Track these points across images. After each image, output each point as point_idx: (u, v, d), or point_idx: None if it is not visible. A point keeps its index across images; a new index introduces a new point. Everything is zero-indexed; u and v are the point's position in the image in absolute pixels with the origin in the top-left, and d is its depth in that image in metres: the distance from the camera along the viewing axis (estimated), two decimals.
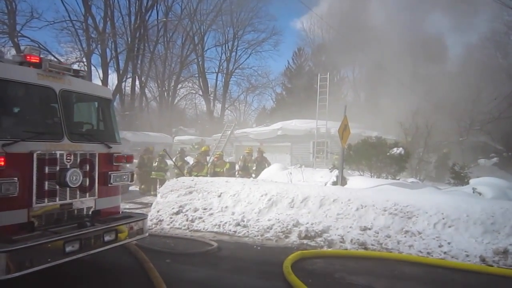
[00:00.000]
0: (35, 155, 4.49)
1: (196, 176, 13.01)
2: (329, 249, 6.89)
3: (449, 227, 7.00)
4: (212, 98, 49.12)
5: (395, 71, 21.49)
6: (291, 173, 12.61)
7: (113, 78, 40.39)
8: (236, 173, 16.21)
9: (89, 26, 33.50)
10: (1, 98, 4.50)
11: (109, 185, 5.51)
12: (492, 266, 5.99)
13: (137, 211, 9.87)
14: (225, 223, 8.20)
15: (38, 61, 4.88)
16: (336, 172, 11.62)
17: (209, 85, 49.23)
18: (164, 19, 40.58)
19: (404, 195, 8.25)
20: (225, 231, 8.00)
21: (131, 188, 15.51)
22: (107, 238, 4.97)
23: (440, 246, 6.60)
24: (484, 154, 20.84)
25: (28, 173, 4.45)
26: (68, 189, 4.83)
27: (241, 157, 17.13)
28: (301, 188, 9.11)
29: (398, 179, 12.35)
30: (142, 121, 38.78)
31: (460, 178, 12.42)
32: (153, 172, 15.27)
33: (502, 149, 19.68)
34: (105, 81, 33.95)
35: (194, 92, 50.43)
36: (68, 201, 4.90)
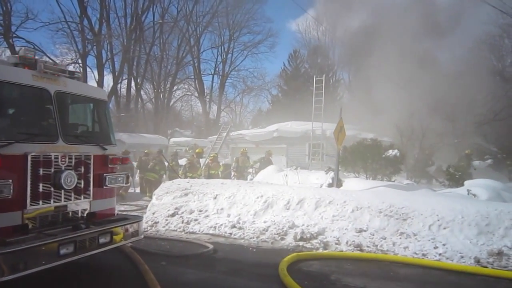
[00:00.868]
0: (29, 157, 4.46)
1: (191, 177, 13.03)
2: (325, 251, 6.89)
3: (444, 228, 7.02)
4: (208, 99, 49.07)
5: (390, 73, 21.55)
6: (286, 175, 12.64)
7: (108, 80, 40.36)
8: (232, 174, 16.27)
9: (84, 27, 33.45)
10: None
11: (104, 187, 5.49)
12: (486, 267, 6.02)
13: (133, 213, 9.83)
14: (221, 225, 8.19)
15: (33, 62, 4.85)
16: (331, 174, 11.64)
17: (205, 86, 49.21)
18: (160, 21, 40.58)
19: (400, 197, 8.27)
20: (220, 233, 7.99)
21: (130, 190, 15.57)
22: (102, 240, 4.96)
23: (435, 247, 6.62)
24: (479, 156, 20.93)
25: (23, 175, 4.42)
26: (62, 191, 4.81)
27: (235, 158, 17.27)
28: (296, 190, 9.12)
29: (394, 181, 12.40)
30: (137, 123, 38.73)
31: (455, 180, 12.47)
32: (147, 173, 15.32)
33: (496, 151, 19.78)
34: (100, 82, 33.84)
35: (190, 93, 50.36)
36: (62, 203, 4.88)
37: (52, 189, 4.71)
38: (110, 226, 5.19)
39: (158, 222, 8.74)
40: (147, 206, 10.24)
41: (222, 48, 48.99)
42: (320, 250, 6.94)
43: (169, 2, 41.45)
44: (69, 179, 4.77)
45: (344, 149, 12.80)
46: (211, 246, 6.98)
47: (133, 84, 40.21)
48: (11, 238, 4.21)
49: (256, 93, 53.58)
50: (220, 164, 16.42)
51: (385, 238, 7.06)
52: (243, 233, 7.84)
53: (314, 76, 23.95)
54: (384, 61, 22.41)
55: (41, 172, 4.58)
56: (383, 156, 12.39)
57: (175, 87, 46.17)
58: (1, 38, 29.25)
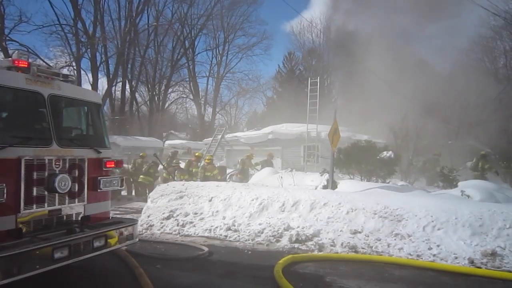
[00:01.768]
0: (23, 161, 4.44)
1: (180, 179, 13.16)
2: (320, 253, 6.91)
3: (438, 229, 7.06)
4: (203, 102, 49.06)
5: (384, 74, 21.68)
6: (282, 177, 12.64)
7: (103, 83, 40.23)
8: (234, 176, 16.37)
9: (78, 30, 33.27)
10: None
11: (99, 190, 5.47)
12: (480, 268, 6.06)
13: (127, 216, 9.79)
14: (216, 227, 8.19)
15: (26, 65, 4.84)
16: (326, 175, 11.67)
17: (200, 89, 49.24)
18: (155, 23, 40.50)
19: (394, 198, 8.32)
20: (216, 235, 7.98)
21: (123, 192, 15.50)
22: (96, 244, 4.93)
23: (429, 248, 6.66)
24: (472, 157, 21.07)
25: (16, 178, 4.40)
26: (57, 194, 4.79)
27: (240, 160, 17.35)
28: (292, 192, 9.13)
29: (388, 183, 12.44)
30: (132, 126, 38.58)
31: (449, 181, 12.54)
32: (141, 176, 15.26)
33: (489, 152, 19.93)
34: (95, 85, 33.69)
35: (184, 96, 50.27)
36: (57, 207, 4.86)
37: (46, 193, 4.69)
38: (105, 230, 5.17)
39: (153, 225, 8.72)
40: (142, 209, 10.21)
41: (217, 50, 49.11)
42: (315, 252, 6.95)
43: (164, 5, 41.44)
44: (63, 182, 4.76)
45: (339, 151, 12.82)
46: (206, 249, 6.97)
47: (127, 86, 40.11)
48: (5, 242, 4.18)
49: (251, 95, 53.70)
50: (216, 166, 16.43)
51: (379, 240, 7.09)
52: (239, 236, 7.84)
53: (309, 78, 24.00)
54: (377, 63, 22.54)
55: (35, 176, 4.56)
56: (378, 157, 12.43)
57: (170, 90, 46.14)
58: None
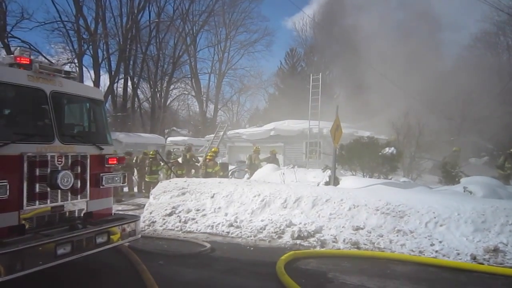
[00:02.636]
0: (25, 157, 4.46)
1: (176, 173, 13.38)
2: (322, 249, 6.92)
3: (441, 226, 7.05)
4: (204, 99, 48.99)
5: (386, 70, 21.60)
6: (284, 174, 12.63)
7: (105, 79, 40.22)
8: (239, 171, 16.56)
9: (80, 27, 33.25)
10: None
11: (101, 187, 5.49)
12: (482, 264, 6.06)
13: (130, 212, 9.82)
14: (218, 224, 8.20)
15: (28, 62, 4.85)
16: (328, 172, 11.66)
17: (201, 86, 49.16)
18: (156, 20, 40.37)
19: (396, 195, 8.30)
20: (218, 232, 7.99)
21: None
22: (99, 240, 4.96)
23: (431, 244, 6.65)
24: (475, 153, 21.00)
25: (19, 175, 4.41)
26: (59, 191, 4.81)
27: (248, 156, 17.79)
28: (294, 188, 9.13)
29: (390, 179, 12.42)
30: (134, 122, 38.60)
31: (451, 177, 12.51)
32: (146, 175, 15.38)
33: (492, 148, 19.88)
34: (96, 82, 33.71)
35: (186, 93, 50.25)
36: (59, 203, 4.87)
37: (49, 189, 4.70)
38: (107, 226, 5.19)
39: (155, 221, 8.74)
40: (144, 205, 10.23)
41: (219, 47, 49.00)
42: (318, 248, 6.96)
43: (165, 1, 41.27)
44: (65, 179, 4.77)
45: (341, 147, 12.80)
46: (208, 245, 6.99)
47: (129, 83, 40.02)
48: (8, 238, 4.21)
49: (253, 92, 53.60)
50: (217, 163, 16.53)
51: (382, 236, 7.09)
52: (241, 232, 7.85)
53: (311, 75, 23.95)
54: (379, 59, 22.46)
55: (37, 173, 4.57)
56: (380, 154, 12.40)
57: (171, 86, 46.05)
58: None
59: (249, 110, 58.34)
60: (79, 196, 5.13)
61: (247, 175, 16.32)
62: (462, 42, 27.32)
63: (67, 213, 5.06)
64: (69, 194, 4.96)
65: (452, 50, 26.66)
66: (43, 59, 25.06)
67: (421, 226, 7.14)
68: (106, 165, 5.63)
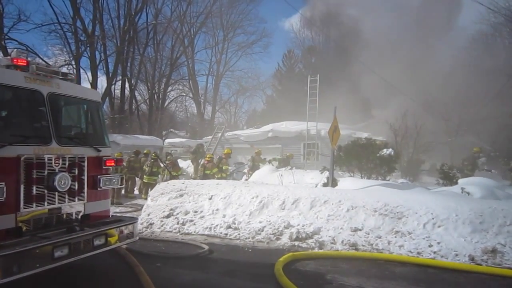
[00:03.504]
0: (22, 159, 4.43)
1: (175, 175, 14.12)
2: (320, 251, 6.91)
3: (439, 227, 7.06)
4: (202, 100, 48.94)
5: (384, 72, 21.65)
6: (282, 175, 12.64)
7: (102, 81, 40.10)
8: (246, 172, 16.90)
9: (77, 28, 33.14)
10: None
11: (99, 189, 5.47)
12: (481, 265, 6.06)
13: (128, 214, 9.80)
14: (216, 225, 8.18)
15: (25, 64, 4.82)
16: (326, 173, 11.67)
17: (199, 87, 49.11)
18: (154, 22, 40.36)
19: (394, 196, 8.31)
20: (216, 233, 7.98)
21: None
22: (96, 242, 4.93)
23: (430, 246, 6.66)
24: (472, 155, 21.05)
25: (16, 177, 4.39)
26: (56, 193, 4.78)
27: (250, 157, 17.92)
28: (292, 190, 9.13)
29: (388, 180, 12.44)
30: (132, 124, 38.53)
31: (449, 178, 12.53)
32: (145, 176, 15.33)
33: (490, 149, 19.90)
34: (94, 84, 33.59)
35: (184, 94, 50.13)
36: (56, 205, 4.85)
37: (46, 191, 4.68)
38: (105, 228, 5.16)
39: (153, 223, 8.71)
40: (142, 207, 10.20)
41: (216, 48, 48.93)
42: (316, 250, 6.95)
43: (163, 3, 41.24)
44: (63, 181, 4.75)
45: (339, 149, 12.82)
46: (206, 247, 6.97)
47: (127, 85, 39.93)
48: (5, 241, 4.18)
49: (251, 94, 53.62)
50: (215, 164, 16.46)
51: (380, 237, 7.09)
52: (239, 234, 7.84)
53: (309, 76, 23.98)
54: (377, 60, 22.51)
55: (34, 175, 4.55)
56: (378, 155, 12.42)
57: (169, 88, 45.97)
58: None
59: (247, 112, 58.41)
60: (76, 198, 5.10)
61: (245, 177, 16.33)
62: (459, 44, 27.41)
63: (65, 215, 5.03)
64: (67, 196, 4.94)
65: (449, 51, 26.72)
66: (40, 61, 25.02)
67: (419, 227, 7.15)
68: (104, 167, 5.62)
